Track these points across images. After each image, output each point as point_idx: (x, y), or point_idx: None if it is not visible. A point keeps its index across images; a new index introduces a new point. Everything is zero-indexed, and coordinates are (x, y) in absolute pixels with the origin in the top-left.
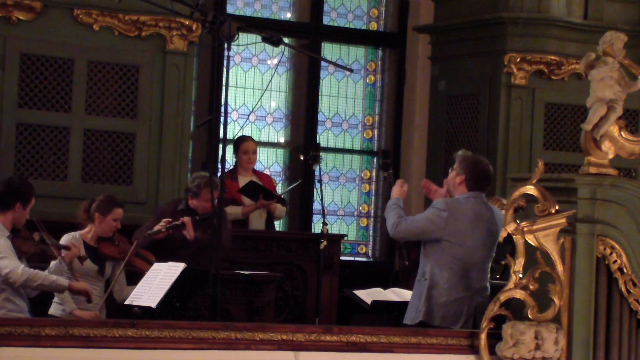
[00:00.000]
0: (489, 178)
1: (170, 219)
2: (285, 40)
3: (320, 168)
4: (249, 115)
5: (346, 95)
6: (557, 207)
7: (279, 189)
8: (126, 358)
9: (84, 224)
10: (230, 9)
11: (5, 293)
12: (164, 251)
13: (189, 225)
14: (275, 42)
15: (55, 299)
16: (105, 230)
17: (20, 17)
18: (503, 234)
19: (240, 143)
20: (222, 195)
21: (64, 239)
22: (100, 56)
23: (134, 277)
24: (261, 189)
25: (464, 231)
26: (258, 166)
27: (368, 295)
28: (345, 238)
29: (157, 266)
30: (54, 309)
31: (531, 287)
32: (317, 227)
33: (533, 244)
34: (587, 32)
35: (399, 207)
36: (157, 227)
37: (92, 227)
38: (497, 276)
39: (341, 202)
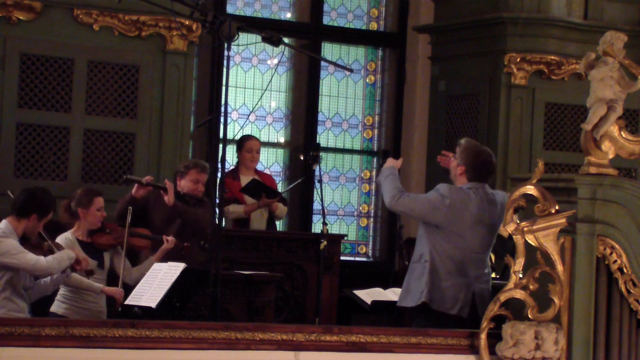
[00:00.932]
0: (490, 169)
1: (153, 177)
2: (285, 40)
3: (320, 168)
4: (249, 115)
5: (346, 95)
6: (557, 207)
7: (280, 189)
8: (126, 358)
9: (69, 223)
10: (230, 9)
11: (6, 292)
12: (145, 222)
13: (171, 189)
14: (275, 42)
15: (58, 297)
16: (92, 223)
17: (20, 17)
18: (505, 231)
19: (245, 141)
20: (222, 195)
21: (58, 240)
22: (100, 56)
23: (135, 257)
24: (264, 188)
25: (463, 223)
26: (258, 166)
27: (368, 295)
28: (345, 238)
29: (157, 266)
30: (56, 307)
31: (531, 287)
32: (317, 227)
33: (533, 244)
34: (587, 32)
35: (396, 176)
36: (140, 178)
37: (79, 224)
38: (497, 276)
39: (341, 202)
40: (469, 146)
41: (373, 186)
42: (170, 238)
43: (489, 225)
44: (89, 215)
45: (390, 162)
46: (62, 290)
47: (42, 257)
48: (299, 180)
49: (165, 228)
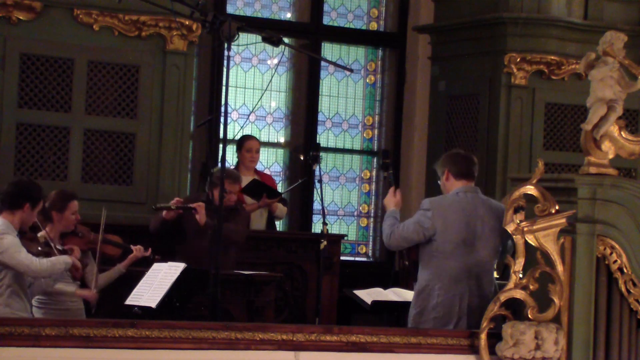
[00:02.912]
0: (471, 162)
1: (181, 199)
2: (285, 40)
3: (320, 168)
4: (249, 115)
5: (346, 95)
6: (557, 207)
7: (280, 189)
8: (126, 358)
9: (41, 225)
10: (230, 9)
11: (12, 291)
12: (178, 239)
13: (201, 210)
14: (275, 42)
15: (34, 303)
16: (66, 226)
17: (20, 17)
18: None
19: (244, 141)
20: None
21: None
22: (100, 56)
23: (106, 262)
24: (264, 188)
25: (450, 226)
26: (258, 166)
27: (368, 295)
28: (345, 238)
29: (157, 266)
30: (35, 313)
31: (531, 287)
32: (317, 227)
33: (533, 244)
34: (587, 32)
35: (394, 218)
36: (168, 204)
37: (52, 227)
38: (497, 276)
39: (341, 202)
40: (442, 156)
41: (373, 186)
42: (139, 247)
43: (482, 223)
44: (63, 219)
45: (391, 203)
46: (36, 296)
47: (36, 260)
48: (301, 181)
49: (201, 237)
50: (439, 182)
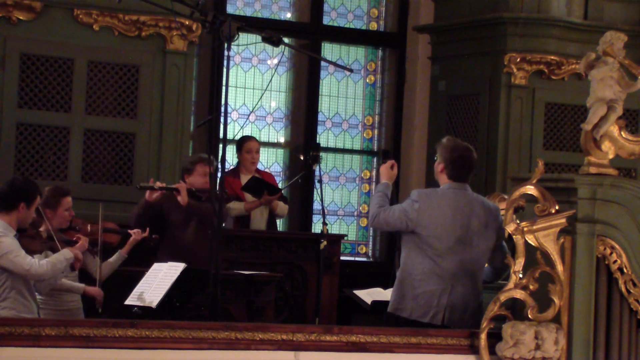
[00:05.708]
0: (468, 164)
1: (163, 183)
2: (285, 40)
3: (320, 168)
4: (249, 115)
5: (346, 95)
6: (557, 207)
7: (280, 188)
8: (126, 358)
9: (37, 223)
10: (230, 9)
11: (15, 293)
12: (163, 225)
13: (184, 190)
14: (275, 42)
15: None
16: (60, 223)
17: (20, 17)
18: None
19: (244, 142)
20: (222, 195)
21: None
22: (100, 56)
23: (107, 251)
24: (264, 185)
25: (436, 222)
26: (258, 166)
27: (368, 295)
28: (345, 238)
29: (157, 266)
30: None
31: (531, 287)
32: (317, 227)
33: (533, 244)
34: (587, 32)
35: (384, 195)
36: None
37: (47, 223)
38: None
39: (341, 202)
40: (446, 143)
41: (373, 186)
42: (137, 230)
43: (469, 222)
44: (57, 217)
45: (385, 175)
46: (37, 297)
47: (35, 263)
48: (300, 175)
49: (183, 228)
50: (435, 158)
